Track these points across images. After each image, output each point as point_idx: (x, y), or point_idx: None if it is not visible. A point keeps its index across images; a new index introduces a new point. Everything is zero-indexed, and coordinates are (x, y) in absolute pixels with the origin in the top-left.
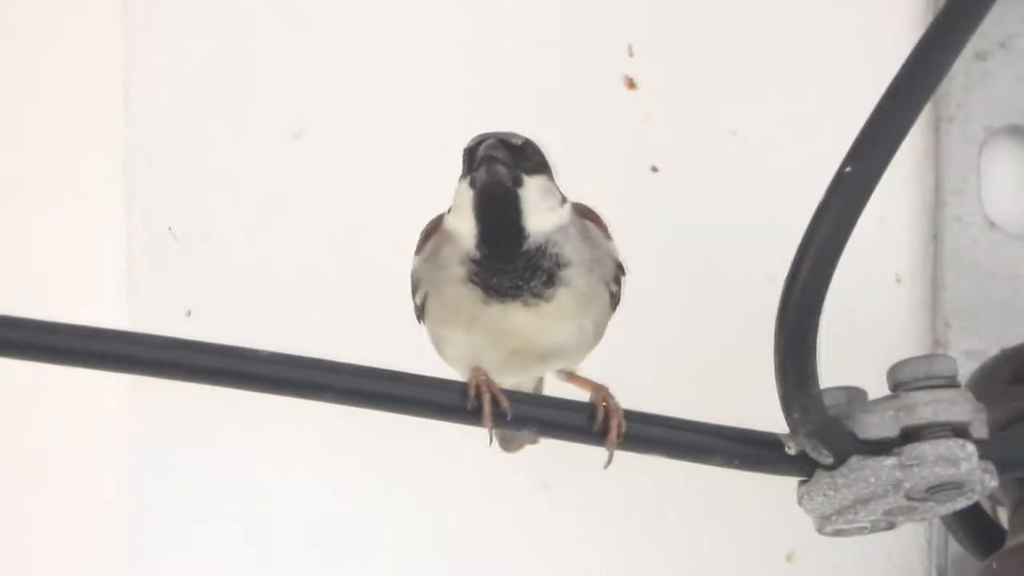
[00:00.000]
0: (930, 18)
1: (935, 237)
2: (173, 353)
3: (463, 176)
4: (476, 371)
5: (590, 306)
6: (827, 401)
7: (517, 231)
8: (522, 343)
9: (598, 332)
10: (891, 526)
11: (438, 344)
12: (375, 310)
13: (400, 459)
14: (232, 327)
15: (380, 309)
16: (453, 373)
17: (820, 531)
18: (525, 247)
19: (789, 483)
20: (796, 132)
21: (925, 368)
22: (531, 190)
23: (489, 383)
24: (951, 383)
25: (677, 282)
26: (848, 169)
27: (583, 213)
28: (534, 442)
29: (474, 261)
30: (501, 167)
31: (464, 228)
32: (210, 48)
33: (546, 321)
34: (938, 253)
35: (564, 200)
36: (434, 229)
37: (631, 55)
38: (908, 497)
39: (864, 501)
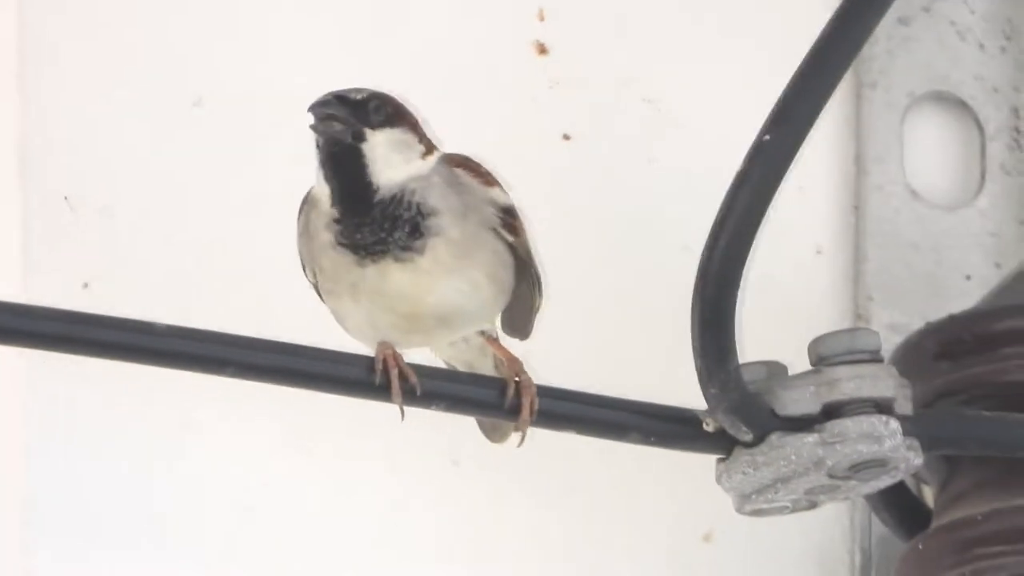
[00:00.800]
0: None
1: (856, 207)
2: (67, 326)
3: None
4: (383, 345)
5: (473, 256)
6: (746, 376)
7: (365, 185)
8: (411, 305)
9: (500, 287)
10: (813, 505)
11: (338, 319)
12: (279, 282)
13: (305, 436)
14: (131, 300)
15: (284, 281)
16: (360, 349)
17: (739, 510)
18: (378, 198)
19: (707, 461)
20: (714, 98)
21: (847, 342)
22: (377, 144)
23: (396, 357)
24: (874, 358)
25: (591, 254)
26: (767, 137)
27: (456, 162)
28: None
29: (336, 221)
30: (336, 123)
31: (321, 190)
32: (107, 11)
33: (427, 278)
34: (860, 223)
35: (429, 151)
36: (304, 202)
37: (542, 19)
38: (830, 475)
39: (785, 479)
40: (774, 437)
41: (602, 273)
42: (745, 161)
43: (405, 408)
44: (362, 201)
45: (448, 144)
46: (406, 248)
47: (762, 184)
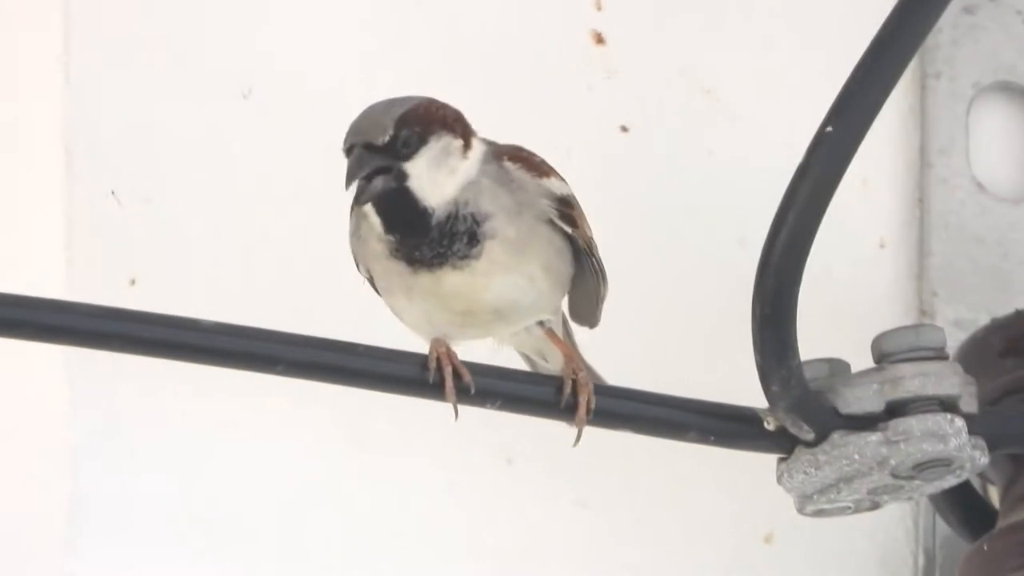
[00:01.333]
0: None
1: (920, 200)
2: (111, 323)
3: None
4: (436, 342)
5: (529, 251)
6: (808, 373)
7: (420, 215)
8: (467, 303)
9: (557, 278)
10: (876, 506)
11: (395, 313)
12: (329, 277)
13: (356, 434)
14: (179, 297)
15: (334, 276)
16: (415, 344)
17: (801, 511)
18: (435, 222)
19: (768, 460)
20: (774, 88)
21: (911, 339)
22: (419, 173)
23: (451, 354)
24: (939, 355)
25: (649, 248)
26: (829, 128)
27: (506, 154)
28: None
29: (388, 242)
30: (375, 183)
31: (373, 219)
32: (154, 1)
33: (483, 278)
34: (924, 217)
35: (468, 144)
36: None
37: (599, 8)
38: (894, 475)
39: (847, 479)
40: (836, 436)
41: (659, 267)
42: (807, 153)
43: (459, 406)
44: (420, 227)
45: (503, 139)
46: (464, 257)
47: (824, 176)
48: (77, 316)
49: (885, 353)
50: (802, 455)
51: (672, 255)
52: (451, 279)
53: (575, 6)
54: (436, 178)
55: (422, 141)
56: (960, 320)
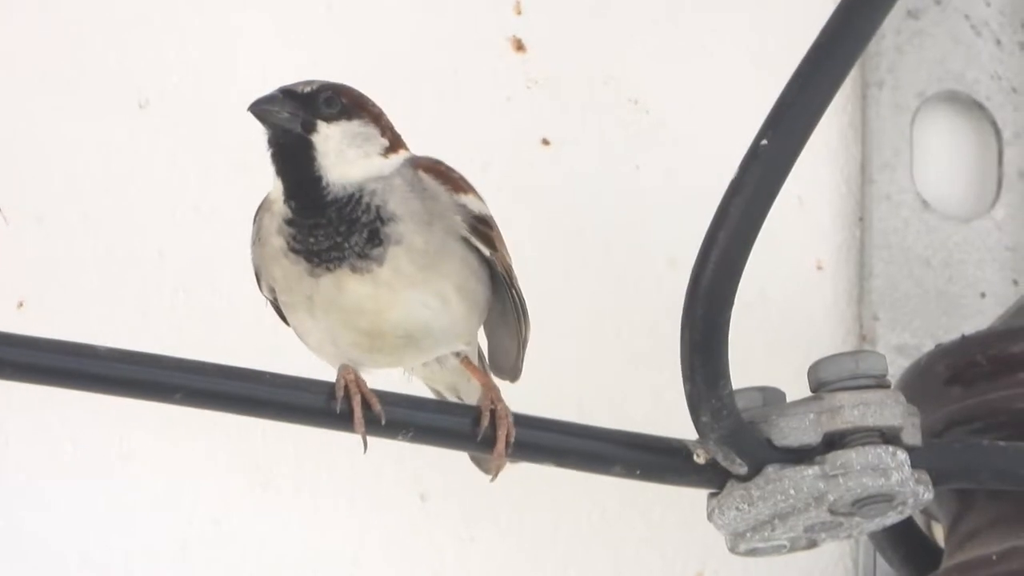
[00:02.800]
0: None
1: (861, 219)
2: (1, 349)
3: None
4: (344, 369)
5: (440, 267)
6: (740, 403)
7: (314, 180)
8: (371, 321)
9: (473, 302)
10: (813, 544)
11: (299, 336)
12: (232, 300)
13: (258, 468)
14: (70, 321)
15: (238, 299)
16: (324, 372)
17: (733, 550)
18: (331, 195)
19: (698, 496)
20: (705, 99)
21: (850, 366)
22: (330, 136)
23: (359, 382)
24: (880, 383)
25: (572, 269)
26: (764, 142)
27: (422, 165)
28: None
29: (288, 222)
30: (282, 114)
31: (275, 189)
32: (41, 7)
33: (387, 291)
34: (865, 236)
35: (395, 148)
36: (259, 207)
37: (519, 12)
38: (832, 511)
39: (782, 516)
40: (771, 469)
41: (583, 289)
42: (740, 168)
43: (368, 438)
44: (314, 199)
45: (417, 151)
46: (363, 256)
47: (758, 193)
48: None
49: (823, 381)
50: (734, 490)
51: (597, 276)
52: (352, 288)
53: (493, 10)
54: (344, 152)
55: (345, 114)
56: (903, 346)
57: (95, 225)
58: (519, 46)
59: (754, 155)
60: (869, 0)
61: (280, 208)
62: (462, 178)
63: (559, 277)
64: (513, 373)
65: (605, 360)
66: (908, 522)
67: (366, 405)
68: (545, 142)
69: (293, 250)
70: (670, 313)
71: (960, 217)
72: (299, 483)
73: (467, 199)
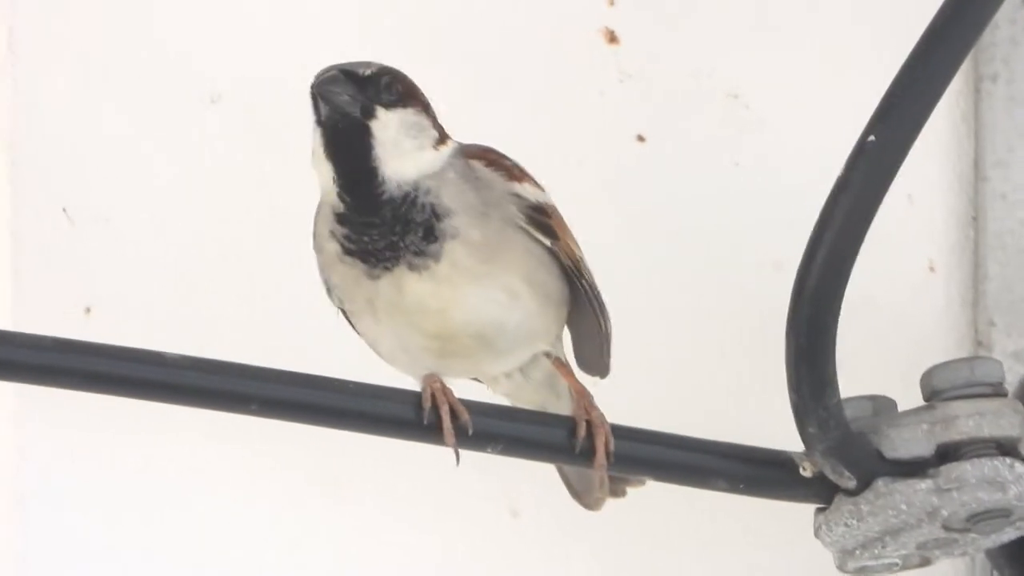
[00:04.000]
0: None
1: (975, 218)
2: (63, 357)
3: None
4: (429, 378)
5: (501, 258)
6: (849, 413)
7: (370, 171)
8: (438, 322)
9: (546, 295)
10: (926, 562)
11: (371, 345)
12: (308, 305)
13: (337, 479)
14: (139, 327)
15: (315, 303)
16: (406, 380)
17: (841, 568)
18: (387, 194)
19: (804, 511)
20: (808, 92)
21: (965, 373)
22: (388, 124)
23: (446, 391)
24: (996, 391)
25: (669, 272)
26: (872, 138)
27: (472, 154)
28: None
29: (339, 219)
30: (343, 96)
31: (325, 179)
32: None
33: (448, 287)
34: (979, 237)
35: (443, 140)
36: (315, 214)
37: (612, 3)
38: (946, 527)
39: (893, 532)
40: (881, 483)
41: (681, 294)
42: (846, 165)
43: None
44: (368, 195)
45: (503, 149)
46: (419, 253)
47: (865, 192)
48: (25, 349)
49: (936, 390)
50: (843, 505)
51: (695, 280)
52: (412, 287)
53: (585, 1)
54: (401, 143)
55: (401, 102)
56: (1020, 352)
57: (164, 226)
58: (612, 38)
59: (861, 151)
60: None
61: (332, 202)
62: (516, 165)
63: (655, 280)
64: (601, 369)
65: (705, 368)
66: None
67: (454, 415)
68: (640, 138)
69: (348, 252)
70: (774, 318)
71: None
72: (380, 497)
73: (522, 187)
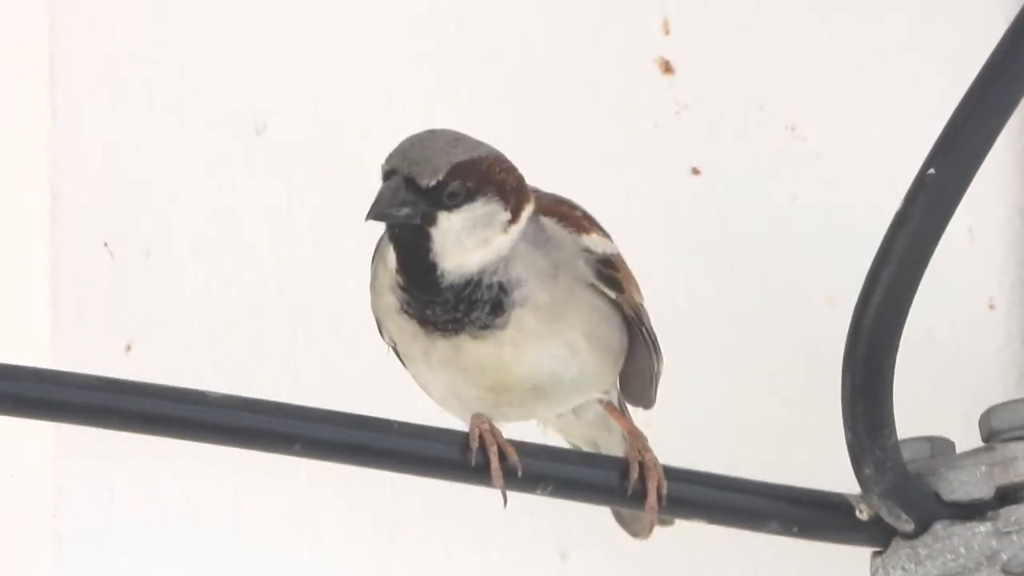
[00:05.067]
0: None
1: None
2: (103, 396)
3: None
4: (477, 418)
5: (567, 317)
6: (906, 454)
7: (428, 267)
8: (496, 377)
9: (604, 348)
10: None
11: (421, 386)
12: (354, 342)
13: (383, 523)
14: (181, 365)
15: (360, 341)
16: (452, 420)
17: None
18: (447, 283)
19: (861, 555)
20: (867, 124)
21: None
22: (449, 228)
23: (495, 432)
24: None
25: (722, 307)
26: (931, 171)
27: (544, 209)
28: (646, 518)
29: (403, 289)
30: (401, 212)
31: (389, 250)
32: (150, 28)
33: (511, 349)
34: None
35: (515, 222)
36: (376, 248)
37: (667, 32)
38: (1005, 571)
39: None
40: (939, 526)
41: (735, 329)
42: (905, 200)
43: (506, 492)
44: (427, 284)
45: (554, 182)
46: (485, 327)
47: (924, 226)
48: (64, 388)
49: (995, 430)
50: (900, 548)
51: (749, 315)
52: (473, 349)
53: (639, 29)
54: (463, 243)
55: (469, 198)
56: None
57: (207, 260)
58: (667, 68)
59: (920, 185)
60: None
61: (392, 266)
62: (585, 215)
63: (708, 316)
64: (645, 401)
65: (758, 407)
66: None
67: (502, 456)
68: (695, 171)
69: (406, 312)
70: (830, 356)
71: None
72: (428, 537)
73: (591, 240)
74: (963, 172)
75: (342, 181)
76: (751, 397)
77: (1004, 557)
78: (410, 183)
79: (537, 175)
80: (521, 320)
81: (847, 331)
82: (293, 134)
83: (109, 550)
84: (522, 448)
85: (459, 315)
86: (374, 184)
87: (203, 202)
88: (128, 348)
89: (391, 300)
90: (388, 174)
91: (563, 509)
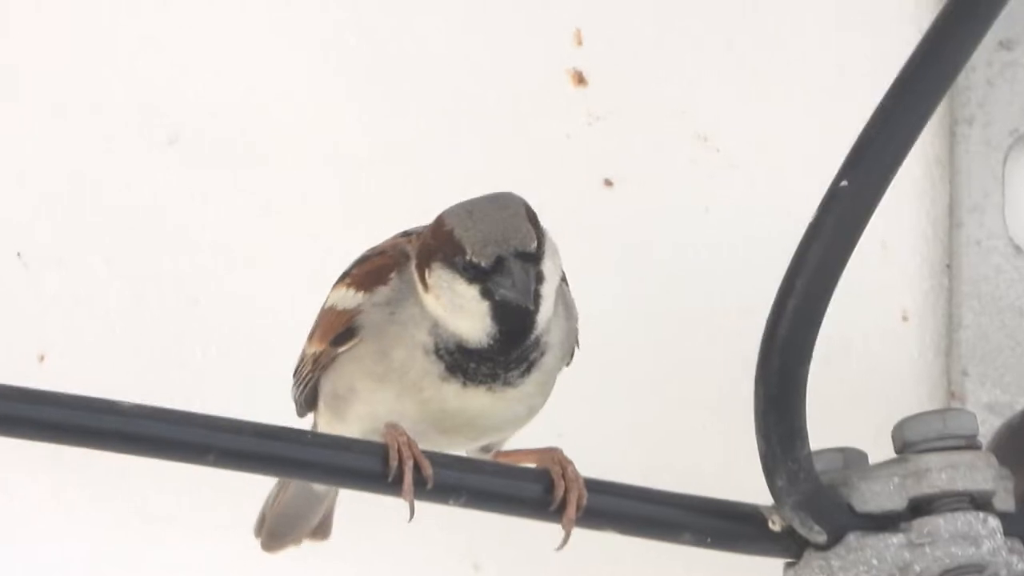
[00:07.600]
0: None
1: (949, 265)
2: (14, 405)
3: (469, 280)
4: (393, 431)
5: (548, 385)
6: (819, 465)
7: (529, 329)
8: (463, 421)
9: (547, 394)
10: None
11: (343, 395)
12: (271, 352)
13: None
14: (94, 374)
15: (277, 351)
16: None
17: None
18: (529, 342)
19: (773, 566)
20: (780, 137)
21: (938, 425)
22: (548, 296)
23: (411, 445)
24: (969, 444)
25: (636, 318)
26: (844, 182)
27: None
28: (297, 543)
29: (462, 351)
30: (531, 285)
31: (465, 329)
32: (63, 36)
33: (502, 404)
34: (953, 284)
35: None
36: (392, 268)
37: (579, 43)
38: None
39: None
40: (852, 537)
41: (648, 341)
42: (818, 210)
43: (416, 503)
44: (519, 340)
45: (465, 194)
46: (508, 383)
47: (838, 238)
48: None
49: (908, 442)
50: (813, 560)
51: (663, 326)
52: (476, 400)
53: (552, 41)
54: (549, 297)
55: (550, 259)
56: (994, 404)
57: (122, 270)
58: (580, 79)
59: (833, 196)
60: (958, 30)
61: (460, 337)
62: None
63: (621, 326)
64: None
65: (671, 418)
66: None
67: (416, 469)
68: (607, 182)
69: (438, 357)
70: (743, 367)
71: None
72: (338, 548)
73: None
74: (876, 183)
75: (254, 190)
76: (664, 408)
77: (917, 569)
78: (523, 255)
79: (448, 187)
80: (530, 383)
81: (760, 341)
82: (204, 145)
83: (15, 561)
84: (435, 459)
85: (500, 371)
86: (286, 192)
87: (117, 212)
88: (41, 358)
89: (422, 338)
90: (498, 261)
91: (476, 519)
